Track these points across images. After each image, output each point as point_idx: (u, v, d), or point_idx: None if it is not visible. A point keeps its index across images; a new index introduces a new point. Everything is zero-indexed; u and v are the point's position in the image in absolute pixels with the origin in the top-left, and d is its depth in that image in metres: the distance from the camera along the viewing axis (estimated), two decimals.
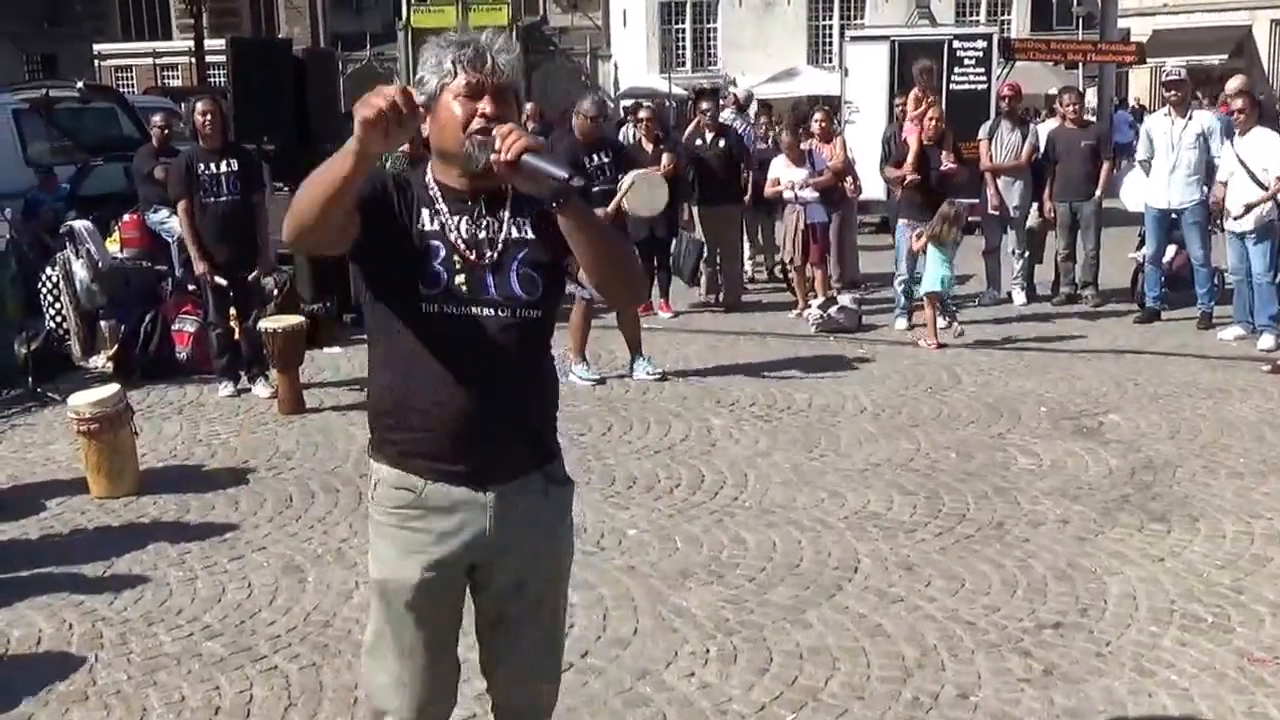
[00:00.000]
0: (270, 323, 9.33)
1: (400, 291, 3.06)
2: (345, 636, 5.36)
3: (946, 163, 11.70)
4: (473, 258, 3.08)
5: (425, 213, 3.09)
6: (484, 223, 3.10)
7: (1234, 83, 12.40)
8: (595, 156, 9.89)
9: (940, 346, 10.97)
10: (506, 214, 3.12)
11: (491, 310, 3.07)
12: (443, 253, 3.06)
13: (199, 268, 9.59)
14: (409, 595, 3.18)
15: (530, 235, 3.12)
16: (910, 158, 11.75)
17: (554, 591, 3.38)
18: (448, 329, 3.05)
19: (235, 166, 9.53)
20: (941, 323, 11.81)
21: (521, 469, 3.20)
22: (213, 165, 9.47)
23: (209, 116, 9.54)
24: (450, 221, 3.08)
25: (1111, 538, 6.42)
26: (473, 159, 2.97)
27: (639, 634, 5.36)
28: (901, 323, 12.01)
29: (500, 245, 3.10)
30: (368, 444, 3.29)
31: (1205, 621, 5.42)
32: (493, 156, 2.86)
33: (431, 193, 3.11)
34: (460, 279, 3.06)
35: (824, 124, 13.79)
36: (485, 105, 2.97)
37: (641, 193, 8.58)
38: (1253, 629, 5.35)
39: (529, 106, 19.29)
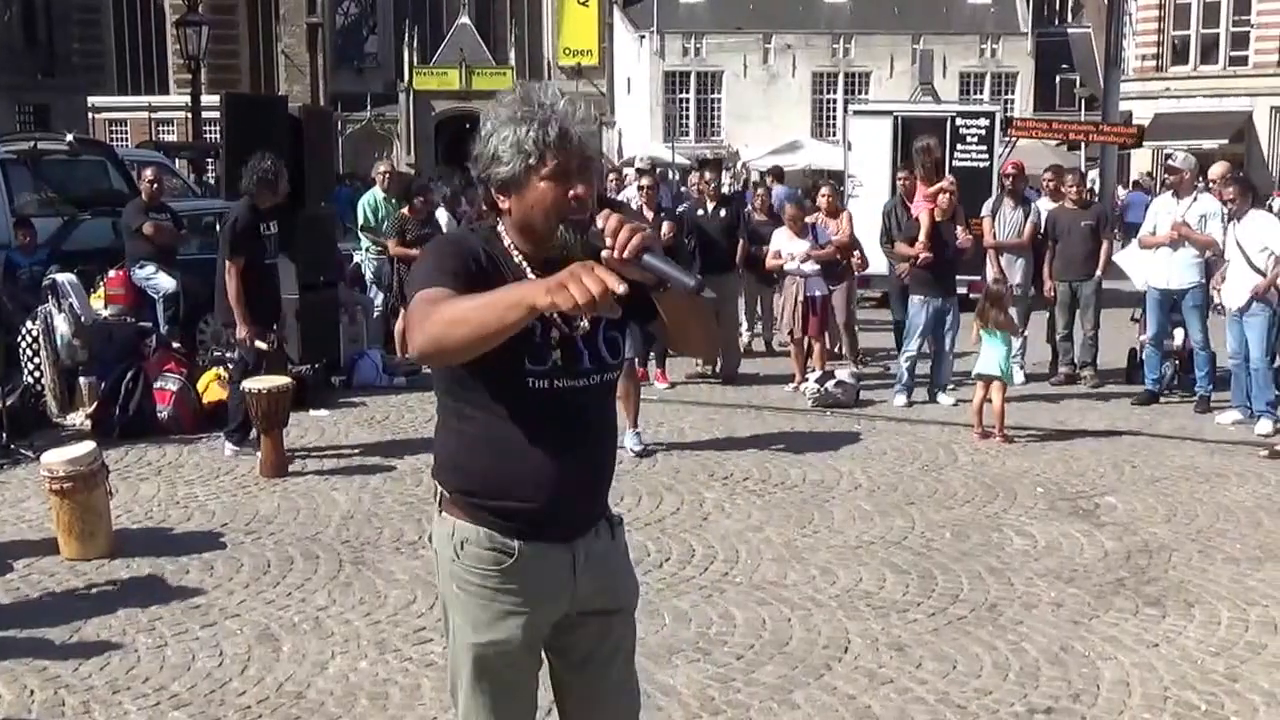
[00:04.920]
0: (255, 383, 9.17)
1: (506, 370, 3.06)
2: (318, 709, 5.24)
3: (962, 237, 11.63)
4: (568, 330, 3.12)
5: None
6: None
7: (1218, 168, 12.38)
8: None
9: (986, 436, 10.38)
10: None
11: (584, 380, 3.17)
12: (540, 327, 3.07)
13: (246, 331, 9.42)
14: (512, 658, 3.22)
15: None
16: (923, 236, 11.67)
17: (631, 630, 3.47)
18: (551, 402, 3.12)
19: (276, 229, 9.65)
20: (948, 400, 11.69)
21: (595, 518, 3.32)
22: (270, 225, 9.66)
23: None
24: None
25: (1106, 621, 6.30)
26: (568, 243, 3.00)
27: None
28: (901, 399, 11.89)
29: (588, 315, 3.11)
30: (440, 499, 3.26)
31: (1199, 710, 5.31)
32: (606, 254, 2.82)
33: (520, 264, 3.13)
34: (557, 353, 3.12)
35: (830, 198, 13.74)
36: (577, 188, 3.03)
37: None
38: (1247, 718, 5.25)
39: None
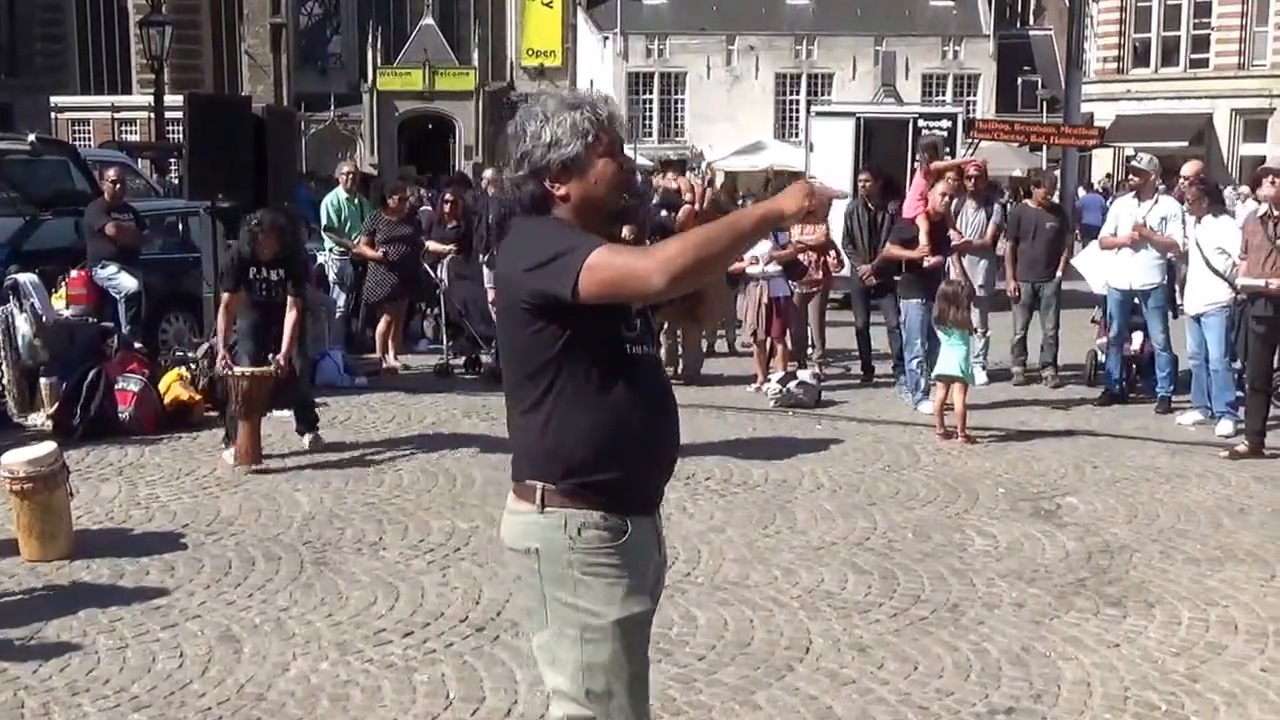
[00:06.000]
0: (240, 369, 9.18)
1: (609, 337, 3.28)
2: (279, 710, 5.22)
3: (956, 238, 11.63)
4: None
5: None
6: None
7: (1191, 166, 12.45)
8: None
9: (948, 436, 10.40)
10: None
11: (652, 348, 3.47)
12: None
13: (221, 358, 9.50)
14: (644, 630, 3.40)
15: None
16: (924, 239, 11.63)
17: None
18: (644, 367, 3.37)
19: (279, 276, 9.56)
20: (915, 403, 11.66)
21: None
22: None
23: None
24: None
25: (1067, 622, 6.33)
26: (633, 207, 3.31)
27: None
28: (922, 405, 11.58)
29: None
30: (543, 495, 3.33)
31: (1159, 710, 5.34)
32: (687, 208, 3.21)
33: None
34: (639, 320, 3.37)
35: None
36: (626, 161, 3.42)
37: None
38: (1207, 718, 5.28)
39: (488, 174, 18.73)
